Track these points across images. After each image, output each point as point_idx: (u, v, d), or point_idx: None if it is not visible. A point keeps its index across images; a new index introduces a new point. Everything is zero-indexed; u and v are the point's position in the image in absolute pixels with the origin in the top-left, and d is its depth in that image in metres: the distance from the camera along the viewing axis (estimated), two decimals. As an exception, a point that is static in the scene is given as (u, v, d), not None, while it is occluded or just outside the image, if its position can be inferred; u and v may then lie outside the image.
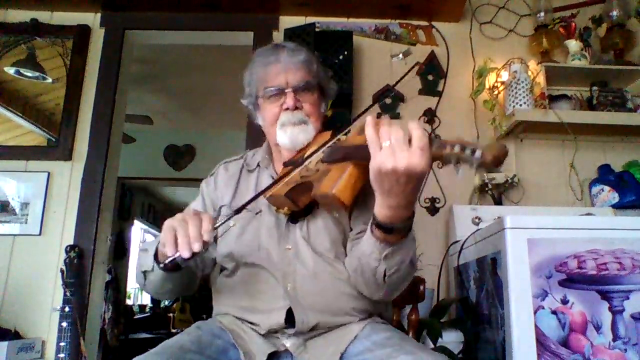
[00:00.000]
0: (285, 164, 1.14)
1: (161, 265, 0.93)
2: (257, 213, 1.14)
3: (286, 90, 1.15)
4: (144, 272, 1.02)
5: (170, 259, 0.87)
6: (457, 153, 0.74)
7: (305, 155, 1.07)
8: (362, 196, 1.09)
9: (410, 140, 0.76)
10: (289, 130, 1.14)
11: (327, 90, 1.25)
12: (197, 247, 0.83)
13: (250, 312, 1.06)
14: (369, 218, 1.00)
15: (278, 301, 1.04)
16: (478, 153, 0.73)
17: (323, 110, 1.23)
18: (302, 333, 1.03)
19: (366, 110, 1.07)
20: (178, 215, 0.89)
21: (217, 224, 0.90)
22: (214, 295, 1.19)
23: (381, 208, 0.86)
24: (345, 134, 1.05)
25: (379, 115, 2.35)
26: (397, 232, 0.88)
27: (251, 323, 1.06)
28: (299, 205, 1.07)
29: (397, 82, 1.23)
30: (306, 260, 1.07)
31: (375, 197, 0.85)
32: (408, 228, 0.90)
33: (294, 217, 1.12)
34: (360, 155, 0.91)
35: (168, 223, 0.88)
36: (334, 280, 1.07)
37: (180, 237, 0.85)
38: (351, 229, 1.12)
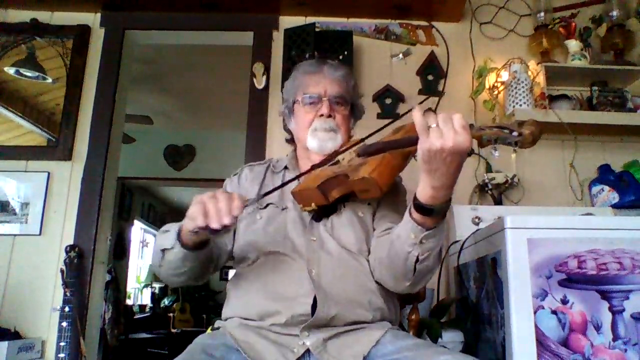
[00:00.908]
0: (314, 167, 1.17)
1: (189, 232, 0.95)
2: (283, 209, 1.19)
3: (323, 99, 1.25)
4: (163, 251, 1.04)
5: (199, 228, 0.90)
6: (495, 133, 0.82)
7: (338, 152, 1.14)
8: (390, 197, 1.18)
9: (453, 123, 0.84)
10: (320, 135, 1.23)
11: (357, 110, 1.34)
12: (227, 220, 0.87)
13: (273, 299, 1.06)
14: (393, 218, 1.08)
15: (303, 287, 1.05)
16: (515, 132, 0.80)
17: (351, 126, 1.33)
18: (322, 329, 1.03)
19: (403, 114, 1.13)
20: (208, 192, 0.92)
21: (247, 203, 0.94)
22: (229, 293, 1.19)
23: (425, 188, 0.91)
24: (374, 133, 1.10)
25: (378, 115, 2.35)
26: (435, 214, 0.93)
27: (271, 314, 1.05)
28: (329, 199, 1.11)
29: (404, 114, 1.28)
30: (330, 250, 1.12)
31: (420, 179, 0.91)
32: (444, 212, 0.95)
33: (319, 215, 1.16)
34: (396, 145, 0.99)
35: (197, 198, 0.91)
36: (356, 271, 1.11)
37: (211, 209, 0.88)
38: (374, 229, 1.18)
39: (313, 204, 1.12)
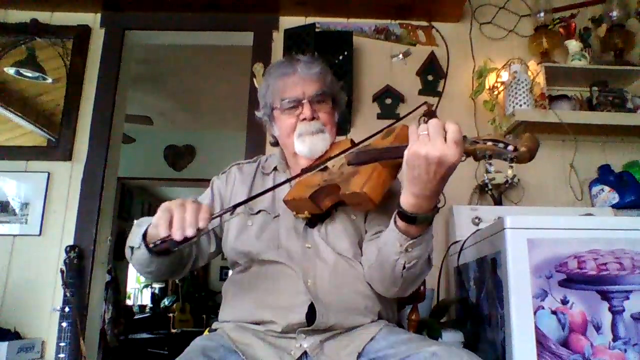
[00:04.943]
0: (304, 170, 1.15)
1: (151, 245, 0.93)
2: (275, 217, 1.16)
3: (303, 101, 1.18)
4: (132, 248, 1.02)
5: (160, 240, 0.87)
6: (489, 147, 0.79)
7: (327, 159, 1.10)
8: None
9: (445, 134, 0.81)
10: (308, 140, 1.18)
11: (339, 101, 1.29)
12: (190, 232, 0.83)
13: (268, 309, 1.05)
14: (384, 220, 1.04)
15: (299, 297, 1.04)
16: (511, 146, 0.77)
17: (336, 119, 1.27)
18: (319, 332, 1.02)
19: (394, 122, 1.12)
20: (176, 200, 0.89)
21: (215, 215, 0.91)
22: (225, 298, 1.17)
23: (407, 196, 0.90)
24: (365, 139, 1.08)
25: (378, 115, 2.35)
26: (419, 223, 0.92)
27: (266, 322, 1.05)
28: (322, 208, 1.09)
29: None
30: (326, 257, 1.10)
31: (403, 185, 0.90)
32: (429, 221, 0.93)
33: (313, 222, 1.13)
34: (388, 156, 0.96)
35: (165, 205, 0.88)
36: (352, 278, 1.09)
37: (176, 220, 0.85)
38: (366, 231, 1.16)
39: (306, 212, 1.10)
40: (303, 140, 1.18)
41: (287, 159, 1.28)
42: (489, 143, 0.80)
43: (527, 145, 0.77)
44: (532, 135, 0.78)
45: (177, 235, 0.84)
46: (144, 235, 0.97)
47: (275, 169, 1.27)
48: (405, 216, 0.91)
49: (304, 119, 1.18)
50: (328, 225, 1.14)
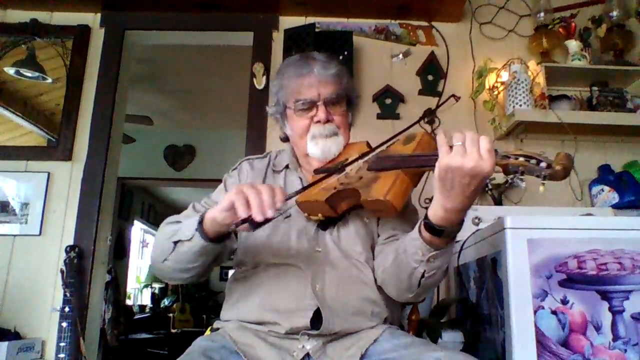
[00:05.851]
0: (317, 171, 1.14)
1: (232, 227, 0.93)
2: (286, 217, 1.14)
3: (318, 103, 1.16)
4: (176, 242, 0.99)
5: (241, 221, 0.86)
6: (522, 163, 0.78)
7: (345, 163, 1.08)
8: None
9: (479, 145, 0.80)
10: (321, 143, 1.16)
11: (353, 100, 1.27)
12: (271, 213, 0.84)
13: (273, 310, 1.04)
14: (397, 224, 1.05)
15: (306, 301, 1.03)
16: (544, 164, 0.76)
17: (350, 120, 1.26)
18: (324, 335, 1.02)
19: (414, 123, 1.09)
20: (246, 183, 0.90)
21: (287, 196, 0.91)
22: (228, 297, 1.16)
23: (437, 209, 0.88)
24: (384, 143, 1.07)
25: (379, 116, 2.35)
26: (445, 236, 0.91)
27: (269, 323, 1.04)
28: (337, 211, 1.07)
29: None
30: (336, 263, 1.08)
31: (433, 198, 0.88)
32: (454, 235, 0.93)
33: (325, 224, 1.12)
34: (414, 164, 0.95)
35: (237, 188, 0.88)
36: (361, 284, 1.08)
37: (255, 202, 0.84)
38: (378, 235, 1.15)
39: (320, 215, 1.08)
40: (316, 142, 1.17)
41: (298, 158, 1.26)
42: (521, 159, 0.79)
43: (563, 164, 0.76)
44: (567, 154, 0.78)
45: (258, 216, 0.83)
46: (199, 227, 0.95)
47: (287, 167, 1.26)
48: (432, 229, 0.90)
49: (318, 122, 1.16)
50: (341, 229, 1.12)
